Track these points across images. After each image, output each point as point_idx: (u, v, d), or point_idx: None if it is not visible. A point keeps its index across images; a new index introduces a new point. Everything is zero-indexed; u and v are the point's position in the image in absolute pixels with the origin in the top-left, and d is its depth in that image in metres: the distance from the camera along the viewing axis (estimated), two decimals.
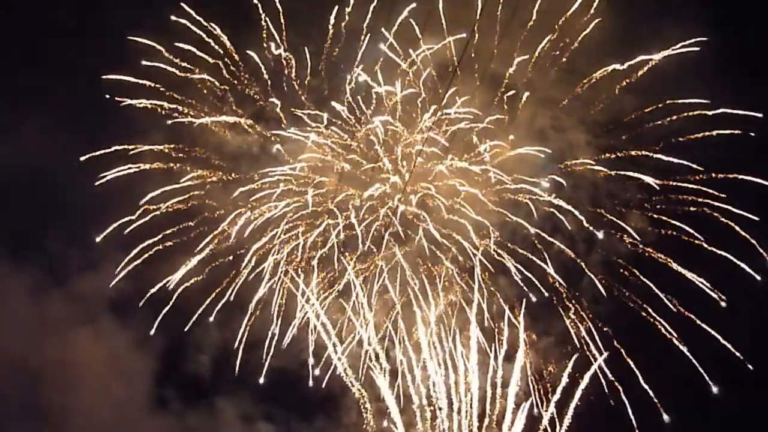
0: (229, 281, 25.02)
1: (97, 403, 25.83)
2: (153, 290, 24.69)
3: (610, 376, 23.51)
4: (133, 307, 25.26)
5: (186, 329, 25.49)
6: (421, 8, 23.65)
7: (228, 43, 24.40)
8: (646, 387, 23.17)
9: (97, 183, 23.99)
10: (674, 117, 23.25)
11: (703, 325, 22.67)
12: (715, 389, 22.70)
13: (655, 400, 23.05)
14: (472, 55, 23.06)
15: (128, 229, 24.42)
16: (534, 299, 24.59)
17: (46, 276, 26.50)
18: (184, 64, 24.10)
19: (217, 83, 24.66)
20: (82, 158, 24.15)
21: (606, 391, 23.66)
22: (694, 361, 22.85)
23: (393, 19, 23.65)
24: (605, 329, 24.13)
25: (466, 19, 23.43)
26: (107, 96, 24.10)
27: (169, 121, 24.33)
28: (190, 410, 26.92)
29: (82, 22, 26.60)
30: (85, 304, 26.21)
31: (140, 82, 24.04)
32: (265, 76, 24.81)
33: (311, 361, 25.27)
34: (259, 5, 24.19)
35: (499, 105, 24.44)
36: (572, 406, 23.08)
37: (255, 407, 26.95)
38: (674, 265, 23.45)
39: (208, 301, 24.94)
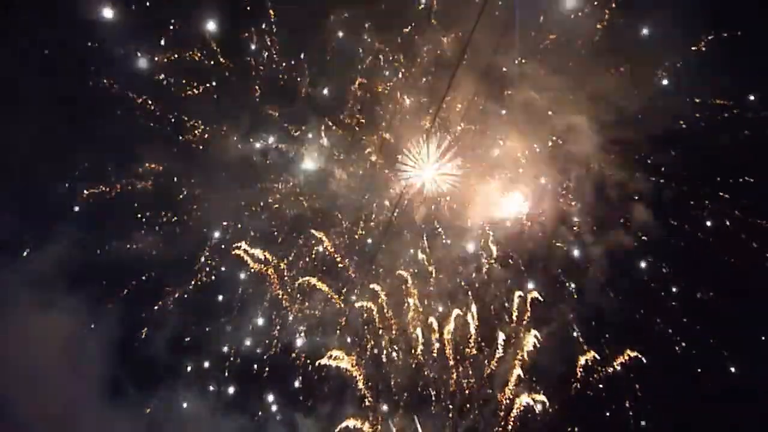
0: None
1: (46, 389, 23.12)
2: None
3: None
4: (89, 284, 23.85)
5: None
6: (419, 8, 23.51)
7: (221, 53, 24.31)
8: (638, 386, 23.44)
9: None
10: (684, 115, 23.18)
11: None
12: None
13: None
14: (466, 57, 22.69)
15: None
16: (536, 293, 24.58)
17: None
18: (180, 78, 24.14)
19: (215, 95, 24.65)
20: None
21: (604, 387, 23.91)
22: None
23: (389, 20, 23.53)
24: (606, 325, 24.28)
25: (465, 16, 23.07)
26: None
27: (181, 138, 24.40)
28: (149, 399, 24.86)
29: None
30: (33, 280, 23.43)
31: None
32: (258, 86, 24.77)
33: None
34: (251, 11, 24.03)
35: (501, 103, 24.32)
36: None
37: (224, 398, 25.54)
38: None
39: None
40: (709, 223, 23.42)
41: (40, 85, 22.77)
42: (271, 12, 23.76)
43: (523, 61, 23.74)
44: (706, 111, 22.67)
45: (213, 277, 25.73)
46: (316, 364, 24.72)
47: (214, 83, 24.44)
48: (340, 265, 25.63)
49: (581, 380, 23.84)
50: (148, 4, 23.07)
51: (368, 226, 25.30)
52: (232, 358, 25.61)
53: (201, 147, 25.01)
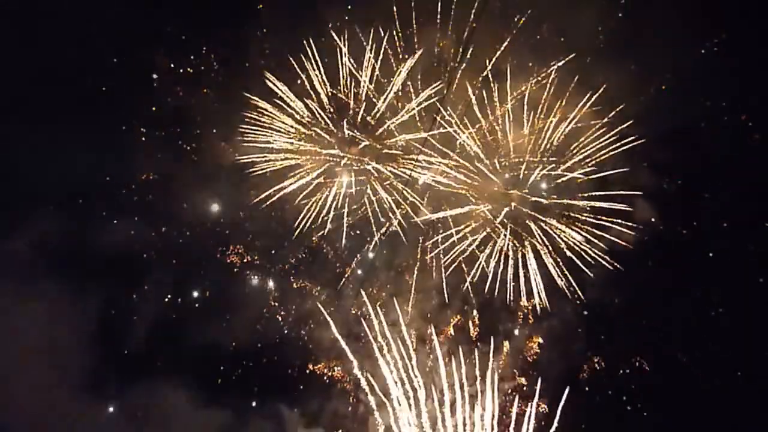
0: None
1: (22, 381, 22.10)
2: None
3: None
4: (67, 271, 23.33)
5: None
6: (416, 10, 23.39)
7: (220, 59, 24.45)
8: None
9: None
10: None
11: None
12: None
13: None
14: (458, 61, 22.63)
15: None
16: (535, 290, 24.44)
17: None
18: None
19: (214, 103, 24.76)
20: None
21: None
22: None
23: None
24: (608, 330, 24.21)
25: (464, 16, 22.94)
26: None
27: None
28: (130, 392, 24.10)
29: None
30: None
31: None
32: (257, 91, 24.74)
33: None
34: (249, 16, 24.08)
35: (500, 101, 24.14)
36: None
37: (206, 391, 24.76)
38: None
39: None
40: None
41: (40, 88, 23.07)
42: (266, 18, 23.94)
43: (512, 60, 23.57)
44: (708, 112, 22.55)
45: (209, 276, 25.88)
46: (308, 368, 24.89)
47: (213, 89, 24.67)
48: (339, 268, 25.77)
49: (585, 387, 23.80)
50: (147, 11, 23.21)
51: (368, 227, 25.32)
52: (224, 357, 25.72)
53: (200, 153, 25.31)
